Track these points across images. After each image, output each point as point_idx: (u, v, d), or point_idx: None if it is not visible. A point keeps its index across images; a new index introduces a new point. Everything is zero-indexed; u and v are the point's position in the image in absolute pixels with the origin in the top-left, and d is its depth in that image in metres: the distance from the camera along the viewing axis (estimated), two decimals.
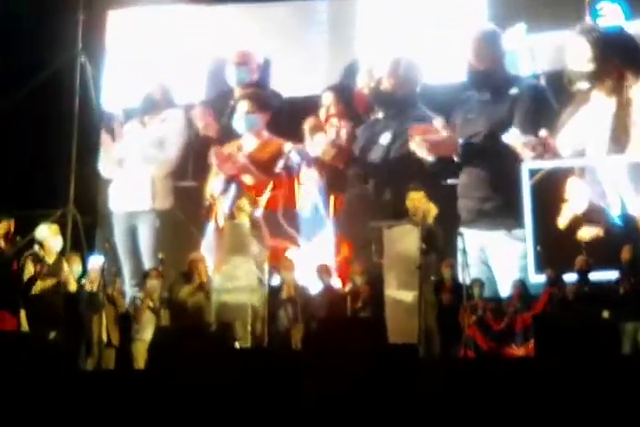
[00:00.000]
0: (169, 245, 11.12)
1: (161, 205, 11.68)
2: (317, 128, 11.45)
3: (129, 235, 11.73)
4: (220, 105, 11.96)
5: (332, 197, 11.25)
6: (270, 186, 11.26)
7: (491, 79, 11.07)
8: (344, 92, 11.65)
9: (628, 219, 10.18)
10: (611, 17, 10.87)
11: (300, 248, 11.04)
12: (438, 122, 10.87)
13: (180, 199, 11.71)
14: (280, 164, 11.39)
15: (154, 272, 9.61)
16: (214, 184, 11.52)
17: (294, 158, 11.38)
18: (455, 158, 10.78)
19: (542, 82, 10.97)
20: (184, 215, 11.55)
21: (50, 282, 8.81)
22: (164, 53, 12.19)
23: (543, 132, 10.58)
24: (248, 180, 11.46)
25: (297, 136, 11.50)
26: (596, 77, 10.59)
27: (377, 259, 9.11)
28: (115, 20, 12.44)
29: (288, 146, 11.46)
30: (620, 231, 10.10)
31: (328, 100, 11.57)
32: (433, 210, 8.77)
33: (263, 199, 11.14)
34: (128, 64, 12.32)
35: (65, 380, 6.60)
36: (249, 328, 8.76)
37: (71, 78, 11.46)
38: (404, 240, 8.56)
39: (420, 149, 10.79)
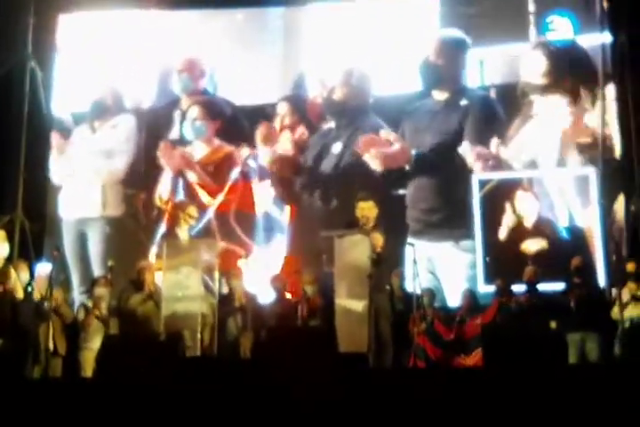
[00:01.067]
0: (119, 252, 11.01)
1: (111, 212, 11.57)
2: (269, 137, 11.45)
3: (78, 242, 11.56)
4: (170, 113, 11.90)
5: (286, 207, 11.26)
6: (225, 191, 11.25)
7: (444, 81, 11.11)
8: (299, 102, 11.66)
9: (575, 231, 10.31)
10: (561, 31, 11.03)
11: (252, 255, 11.03)
12: (385, 132, 10.94)
13: (130, 206, 11.61)
14: (237, 169, 11.38)
15: (102, 280, 9.49)
16: (163, 185, 11.47)
17: (251, 164, 11.39)
18: (407, 167, 10.85)
19: (492, 94, 11.07)
20: (134, 223, 11.47)
21: None
22: (116, 58, 12.07)
23: (494, 143, 10.69)
24: (195, 179, 11.42)
25: (250, 144, 11.48)
26: (548, 91, 10.73)
27: (328, 268, 9.12)
28: (66, 23, 12.29)
29: (245, 151, 11.44)
30: (568, 243, 10.23)
31: (283, 109, 11.58)
32: (380, 239, 8.82)
33: (215, 204, 11.14)
34: (79, 68, 12.17)
35: (11, 387, 6.54)
36: (198, 337, 8.71)
37: (21, 82, 11.33)
38: (355, 250, 8.58)
39: (373, 162, 10.85)
